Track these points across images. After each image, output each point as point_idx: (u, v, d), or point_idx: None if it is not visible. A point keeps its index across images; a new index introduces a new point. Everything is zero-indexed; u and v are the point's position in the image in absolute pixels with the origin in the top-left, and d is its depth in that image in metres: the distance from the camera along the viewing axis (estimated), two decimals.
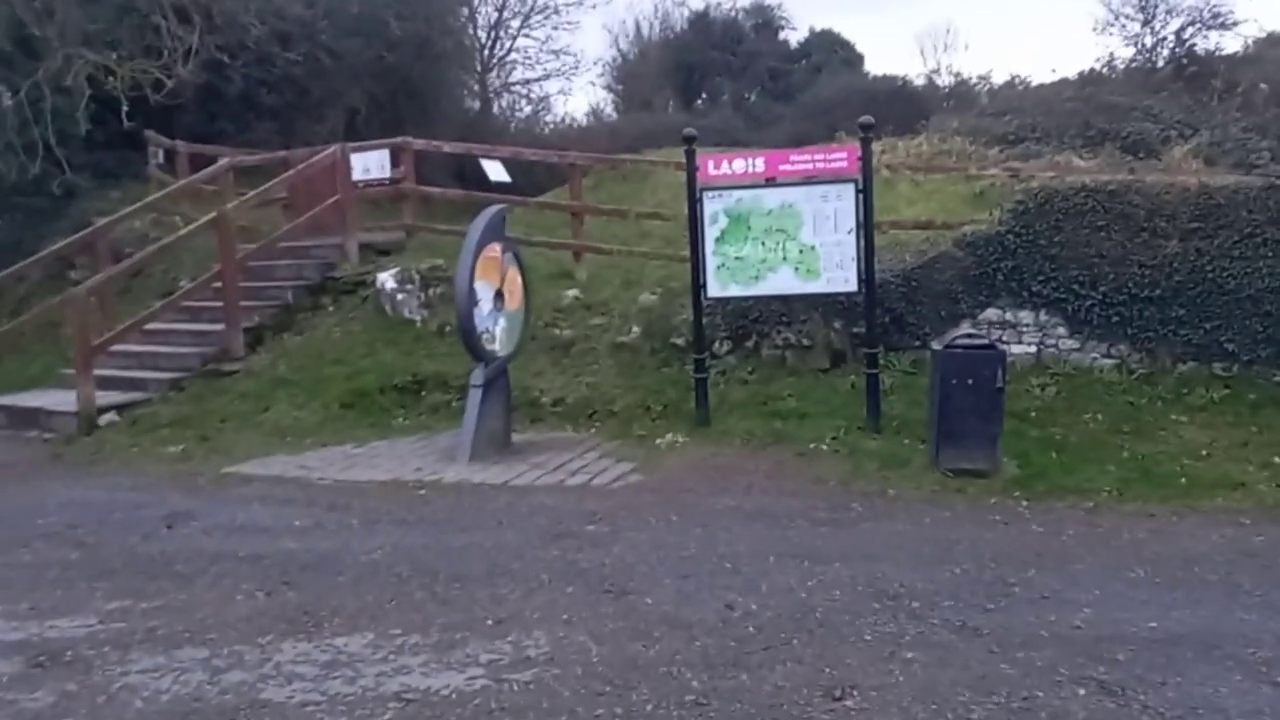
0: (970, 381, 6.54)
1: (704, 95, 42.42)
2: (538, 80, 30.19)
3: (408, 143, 11.39)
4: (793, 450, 7.42)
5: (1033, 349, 8.33)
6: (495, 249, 7.62)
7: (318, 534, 5.74)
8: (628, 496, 6.33)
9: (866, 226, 7.54)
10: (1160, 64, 22.91)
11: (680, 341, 9.09)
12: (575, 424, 8.43)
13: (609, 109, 34.90)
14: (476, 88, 26.65)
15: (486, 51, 27.58)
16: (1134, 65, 19.44)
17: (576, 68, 31.45)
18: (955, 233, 8.47)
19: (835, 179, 7.62)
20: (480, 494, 6.43)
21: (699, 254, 7.85)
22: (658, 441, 7.67)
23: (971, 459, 6.62)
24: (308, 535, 5.72)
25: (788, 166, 7.65)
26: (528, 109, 29.13)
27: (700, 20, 41.85)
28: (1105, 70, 20.06)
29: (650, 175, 14.65)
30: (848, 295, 7.95)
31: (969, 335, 6.65)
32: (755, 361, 8.90)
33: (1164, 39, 26.92)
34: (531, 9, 27.83)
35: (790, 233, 7.67)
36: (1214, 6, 21.52)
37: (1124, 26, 27.47)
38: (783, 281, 7.73)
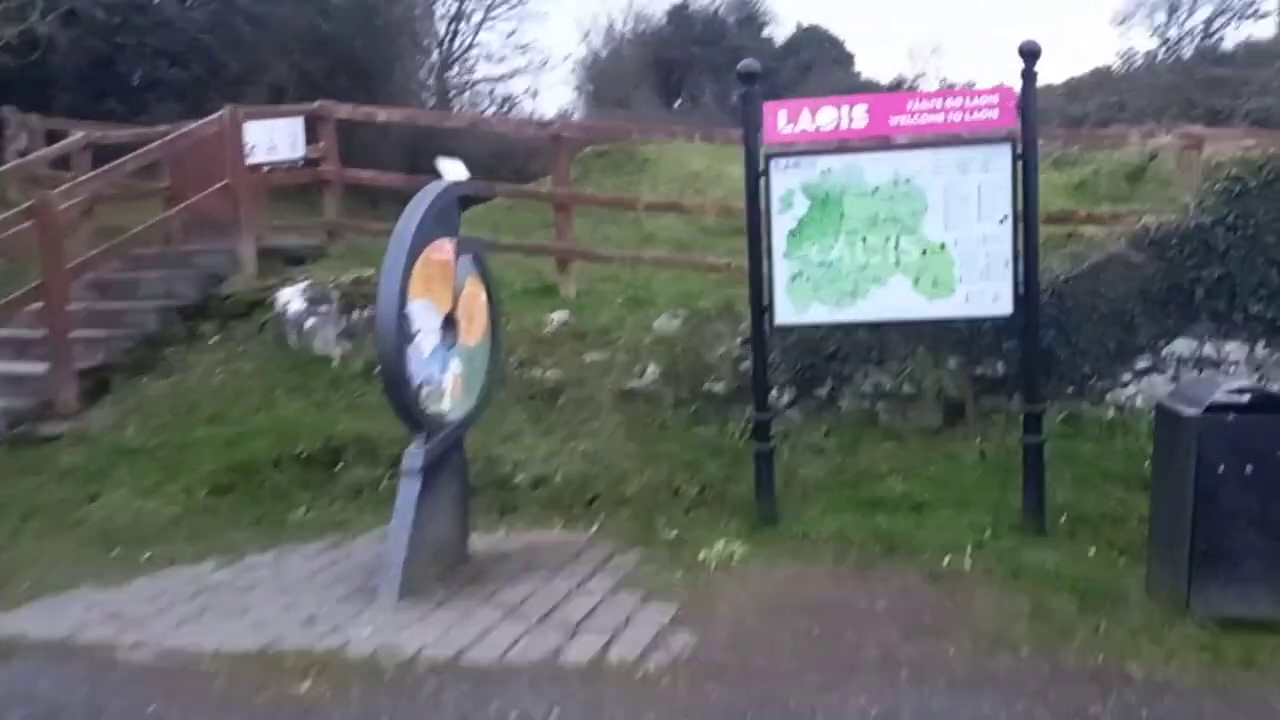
0: (1249, 469, 4.00)
1: (684, 94, 40.11)
2: (503, 78, 27.93)
3: (328, 109, 8.75)
4: (918, 569, 4.85)
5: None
6: (445, 249, 4.96)
7: None
8: (680, 694, 3.66)
9: (1028, 213, 4.99)
10: (1187, 56, 20.99)
11: (720, 389, 6.51)
12: (568, 517, 5.81)
13: (579, 112, 32.70)
14: (433, 83, 24.31)
15: (446, 46, 25.36)
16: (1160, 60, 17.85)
17: (544, 64, 29.16)
18: (1126, 226, 5.92)
19: (979, 139, 5.08)
20: (410, 690, 3.73)
21: (762, 258, 5.25)
22: (702, 555, 5.04)
23: (1252, 600, 4.07)
24: None
25: (905, 119, 5.10)
26: (491, 109, 26.92)
27: (679, 14, 39.72)
28: (1123, 66, 18.40)
29: (649, 164, 12.12)
30: (998, 320, 5.36)
31: (1237, 390, 4.08)
32: (832, 418, 6.33)
33: (1191, 31, 25.20)
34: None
35: (907, 224, 5.12)
36: None
37: (1149, 17, 25.64)
38: (895, 299, 5.17)
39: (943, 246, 5.12)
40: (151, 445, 6.54)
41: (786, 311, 5.32)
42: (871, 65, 42.08)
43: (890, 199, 5.15)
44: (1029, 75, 4.98)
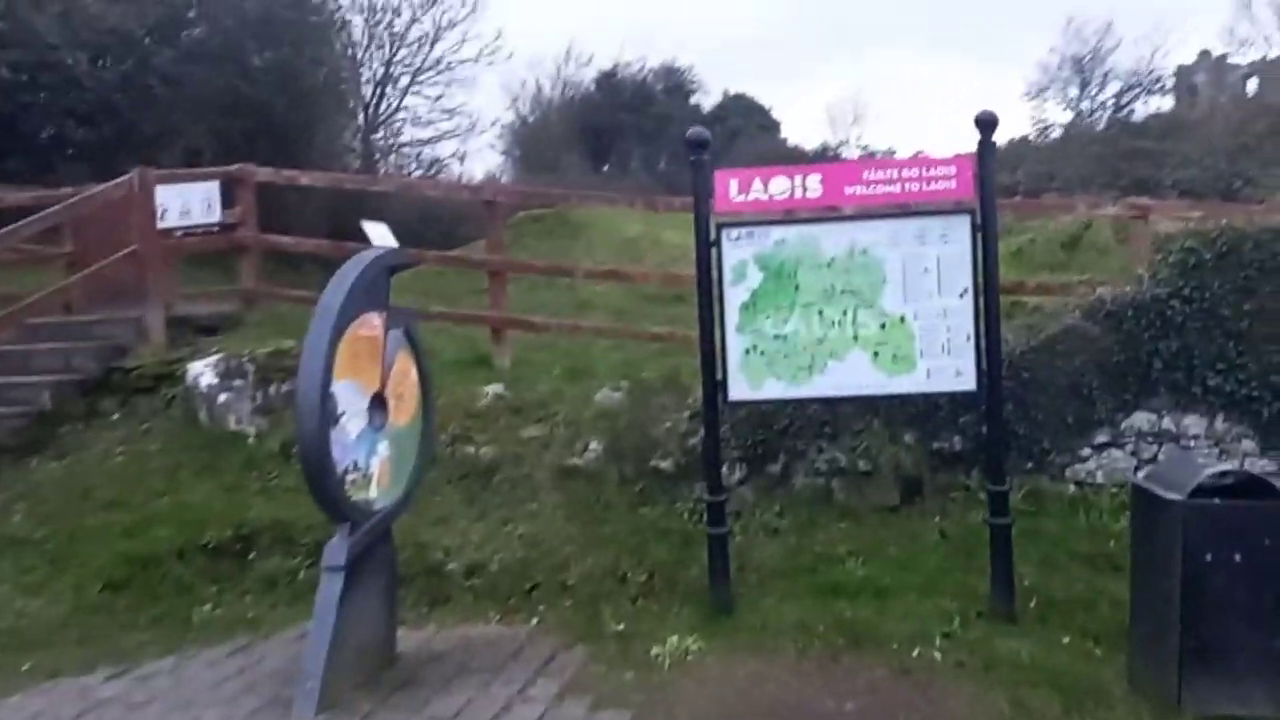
0: (1238, 557, 3.82)
1: (612, 159, 40.44)
2: (430, 141, 27.79)
3: (247, 172, 8.31)
4: (886, 663, 4.56)
5: None
6: (374, 324, 4.59)
7: None
8: None
9: (989, 286, 4.82)
10: (1101, 127, 21.97)
11: (667, 466, 6.18)
12: (505, 609, 5.39)
13: (507, 175, 32.71)
14: (358, 145, 24.00)
15: (371, 109, 25.13)
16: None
17: (473, 128, 29.06)
18: (1080, 298, 5.83)
19: (938, 209, 4.92)
20: None
21: (714, 331, 4.99)
22: (655, 651, 4.67)
23: (1246, 699, 3.87)
24: None
25: (860, 189, 4.92)
26: (419, 172, 26.66)
27: (607, 81, 40.27)
28: (1040, 137, 19.40)
29: (584, 229, 11.91)
30: (962, 397, 5.17)
31: (1221, 473, 3.91)
32: (785, 496, 6.05)
33: (1104, 104, 26.29)
34: (423, 63, 25.50)
35: (865, 296, 4.92)
36: (1152, 71, 21.62)
37: (1063, 90, 26.85)
38: (854, 374, 4.94)
39: (902, 320, 4.93)
40: (38, 536, 5.93)
41: (740, 387, 5.06)
42: (797, 132, 43.02)
43: (847, 271, 4.95)
44: (986, 145, 4.87)
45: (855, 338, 4.96)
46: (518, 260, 8.45)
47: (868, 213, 5.05)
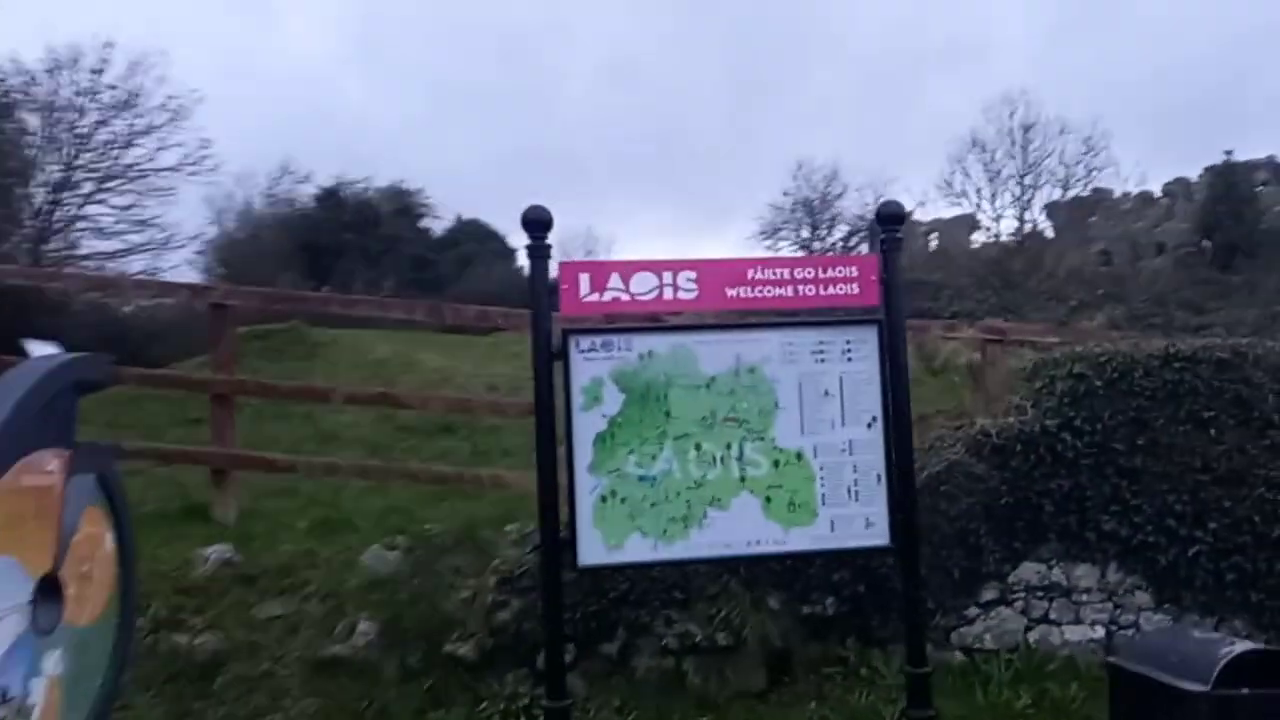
0: None
1: (333, 280, 38.34)
2: (116, 255, 24.78)
3: None
4: None
5: (1099, 632, 5.09)
6: (47, 467, 2.97)
7: None
8: None
9: (899, 414, 3.99)
10: None
11: (467, 651, 4.81)
12: None
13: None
14: (23, 257, 20.80)
15: (45, 217, 22.07)
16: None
17: (168, 243, 26.26)
18: (964, 430, 5.17)
19: (840, 317, 4.08)
20: None
21: (555, 472, 3.79)
22: None
23: None
24: None
25: (744, 291, 3.96)
26: (96, 294, 23.48)
27: (330, 198, 38.51)
28: None
29: (322, 349, 10.31)
30: (875, 552, 4.23)
31: (1230, 643, 3.17)
32: (625, 685, 4.83)
33: (833, 246, 28.32)
34: (110, 170, 22.86)
35: (754, 425, 3.93)
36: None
37: (796, 231, 28.68)
38: (741, 528, 3.90)
39: (799, 456, 3.95)
40: None
41: (593, 547, 3.83)
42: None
43: (731, 393, 3.94)
44: (891, 243, 4.10)
45: (742, 479, 3.92)
46: (255, 381, 6.79)
47: (756, 320, 4.10)
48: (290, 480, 6.88)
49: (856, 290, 4.04)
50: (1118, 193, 31.08)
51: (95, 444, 3.47)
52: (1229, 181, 31.62)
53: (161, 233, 23.97)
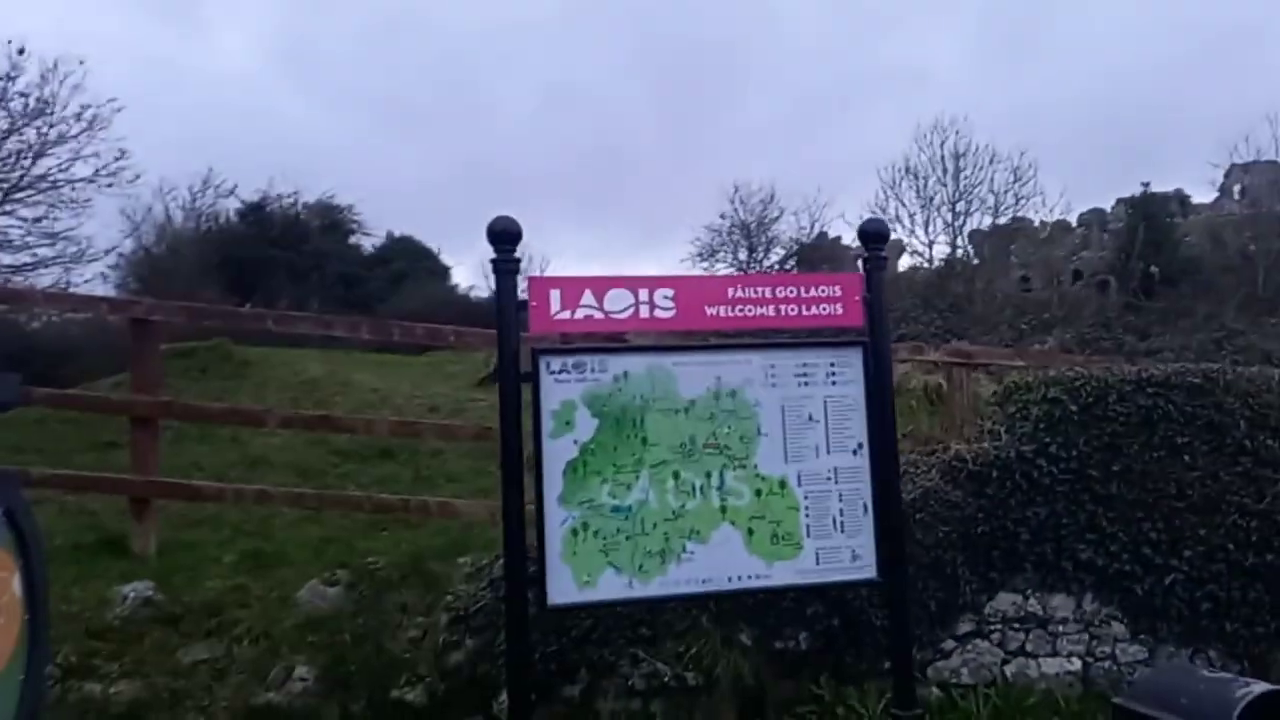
0: None
1: (257, 297, 37.31)
2: (24, 269, 23.65)
3: None
4: None
5: (1075, 665, 4.97)
6: None
7: None
8: None
9: (885, 435, 3.80)
10: None
11: (416, 696, 4.50)
12: None
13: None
14: None
15: None
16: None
17: (81, 256, 25.12)
18: (938, 456, 5.01)
19: (824, 339, 3.88)
20: None
21: (523, 502, 3.51)
22: None
23: None
24: None
25: (724, 310, 3.74)
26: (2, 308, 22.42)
27: (255, 212, 37.47)
28: None
29: (250, 368, 9.83)
30: (862, 586, 4.03)
31: (1246, 684, 3.02)
32: None
33: (770, 268, 28.44)
34: (21, 180, 21.83)
35: (736, 452, 3.70)
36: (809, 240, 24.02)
37: (733, 253, 28.78)
38: (722, 562, 3.68)
39: (782, 485, 3.74)
40: None
41: (564, 585, 3.55)
42: (468, 279, 42.32)
43: (711, 418, 3.71)
44: (875, 262, 3.93)
45: (723, 510, 3.68)
46: (181, 403, 6.33)
47: (737, 341, 3.88)
48: (215, 509, 6.43)
49: (840, 310, 3.85)
50: (1037, 221, 31.92)
51: (2, 472, 3.09)
52: (1147, 212, 32.70)
53: (74, 246, 22.88)
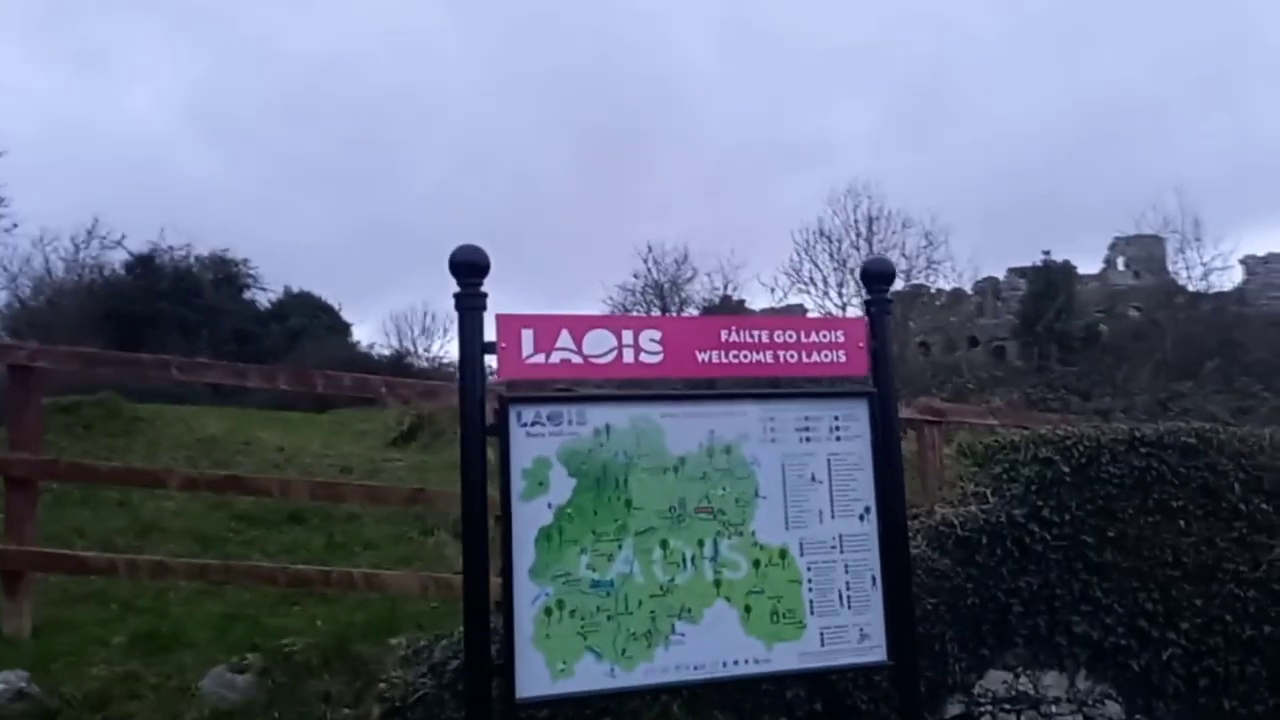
0: None
1: (145, 351, 35.60)
2: None
3: None
4: None
5: None
6: None
7: None
8: None
9: (893, 498, 3.44)
10: None
11: None
12: None
13: None
14: None
15: None
16: None
17: None
18: (922, 521, 4.67)
19: (826, 388, 3.53)
20: None
21: (486, 576, 3.04)
22: None
23: None
24: None
25: (716, 355, 3.36)
26: None
27: (144, 264, 36.03)
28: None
29: (142, 425, 9.04)
30: (871, 668, 3.62)
31: None
32: None
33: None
34: None
35: (731, 517, 3.29)
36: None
37: (646, 312, 28.84)
38: (715, 644, 3.25)
39: (783, 555, 3.33)
40: None
41: (535, 675, 3.06)
42: (369, 336, 41.20)
43: (704, 478, 3.29)
44: (880, 306, 3.60)
45: (718, 584, 3.25)
46: (67, 461, 5.59)
47: (733, 390, 3.49)
48: (101, 583, 5.71)
49: (843, 358, 3.50)
50: (934, 289, 32.82)
51: None
52: (1049, 279, 33.93)
53: None
